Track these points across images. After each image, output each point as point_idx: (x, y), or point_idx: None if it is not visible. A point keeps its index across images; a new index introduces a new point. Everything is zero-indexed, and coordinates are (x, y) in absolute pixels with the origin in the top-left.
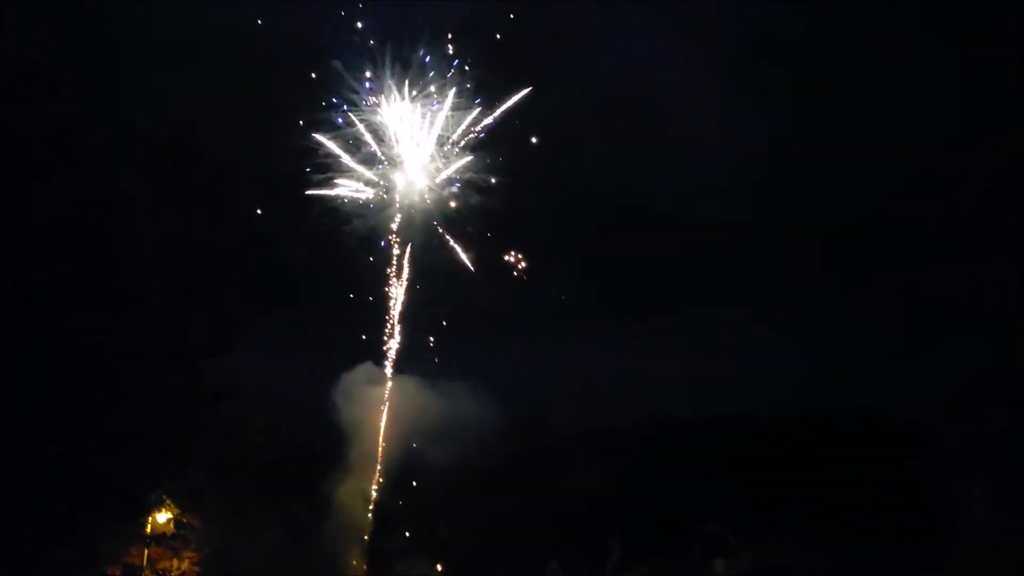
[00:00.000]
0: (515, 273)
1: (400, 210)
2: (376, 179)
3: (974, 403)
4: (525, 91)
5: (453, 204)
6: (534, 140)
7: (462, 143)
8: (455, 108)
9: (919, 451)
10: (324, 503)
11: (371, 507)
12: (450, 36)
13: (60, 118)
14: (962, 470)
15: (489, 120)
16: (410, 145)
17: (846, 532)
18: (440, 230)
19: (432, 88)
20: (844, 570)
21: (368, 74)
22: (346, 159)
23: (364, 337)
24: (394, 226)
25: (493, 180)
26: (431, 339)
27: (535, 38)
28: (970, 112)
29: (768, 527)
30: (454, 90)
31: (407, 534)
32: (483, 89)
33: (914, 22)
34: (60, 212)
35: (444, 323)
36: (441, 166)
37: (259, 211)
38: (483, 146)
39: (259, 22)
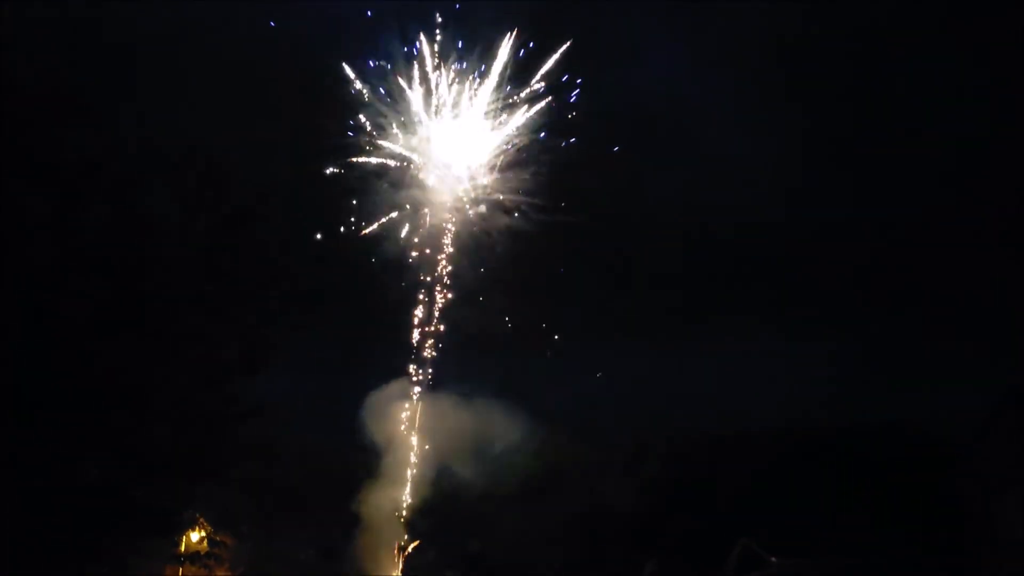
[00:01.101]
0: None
1: (429, 230)
2: (404, 200)
3: (1008, 417)
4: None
5: (481, 224)
6: (562, 155)
7: (490, 162)
8: (483, 126)
9: (952, 465)
10: (356, 521)
11: (403, 524)
12: (477, 53)
13: (92, 145)
14: (996, 485)
15: (518, 138)
16: (437, 165)
17: (879, 547)
18: (469, 249)
19: (458, 106)
20: None
21: (393, 93)
22: (373, 180)
23: (395, 356)
24: (424, 246)
25: (521, 199)
26: (462, 357)
27: (564, 53)
28: (1010, 116)
29: (801, 542)
30: (482, 108)
31: (438, 551)
32: (511, 106)
33: (948, 26)
34: (93, 238)
35: (475, 341)
36: (469, 186)
37: (289, 232)
38: (512, 165)
39: (284, 43)
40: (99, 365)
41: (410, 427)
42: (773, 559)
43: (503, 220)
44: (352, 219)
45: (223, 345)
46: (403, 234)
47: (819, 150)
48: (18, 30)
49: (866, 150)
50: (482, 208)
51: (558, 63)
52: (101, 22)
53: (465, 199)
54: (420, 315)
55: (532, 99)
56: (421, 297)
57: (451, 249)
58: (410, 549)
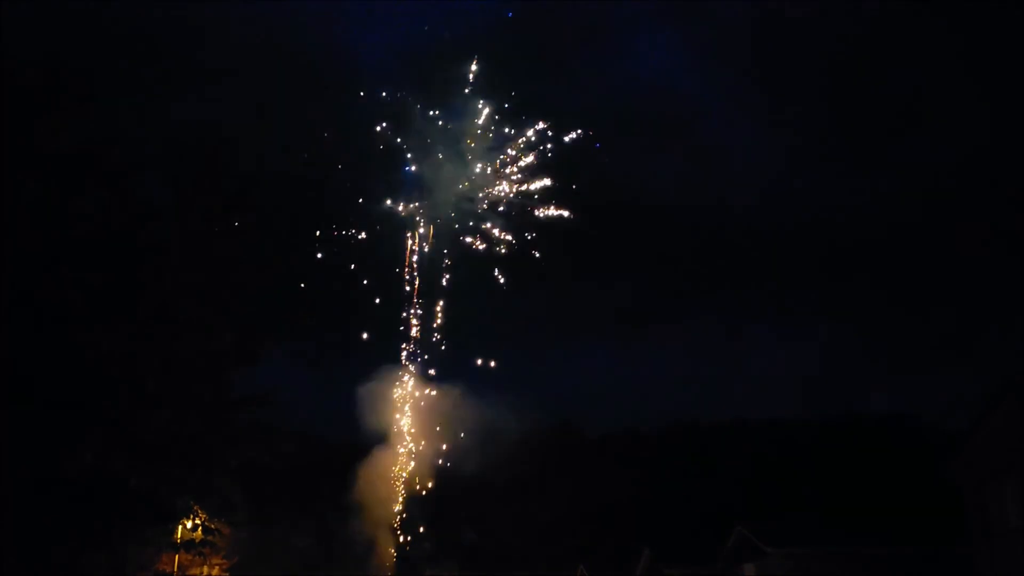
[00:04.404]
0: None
1: (429, 226)
2: (404, 199)
3: (1005, 406)
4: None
5: (480, 221)
6: (558, 149)
7: (491, 160)
8: (482, 126)
9: (949, 455)
10: (352, 510)
11: (399, 514)
12: (478, 54)
13: (89, 131)
14: (993, 474)
15: (514, 136)
16: (437, 163)
17: (875, 536)
18: (467, 245)
19: (459, 105)
20: (873, 574)
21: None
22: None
23: (392, 345)
24: (424, 239)
25: (518, 198)
26: (460, 348)
27: (563, 49)
28: (1005, 119)
29: (797, 531)
30: (482, 107)
31: (434, 540)
32: (511, 106)
33: (943, 30)
34: (91, 225)
35: (473, 332)
36: (468, 182)
37: (287, 222)
38: (511, 161)
39: (285, 36)
40: (95, 353)
41: (408, 416)
42: (769, 548)
43: (500, 219)
44: (350, 213)
45: (219, 333)
46: (402, 228)
47: (824, 149)
48: (16, 16)
49: (872, 149)
50: (480, 206)
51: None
52: (99, 10)
53: (464, 196)
54: (421, 306)
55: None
56: (421, 289)
57: (450, 244)
58: None
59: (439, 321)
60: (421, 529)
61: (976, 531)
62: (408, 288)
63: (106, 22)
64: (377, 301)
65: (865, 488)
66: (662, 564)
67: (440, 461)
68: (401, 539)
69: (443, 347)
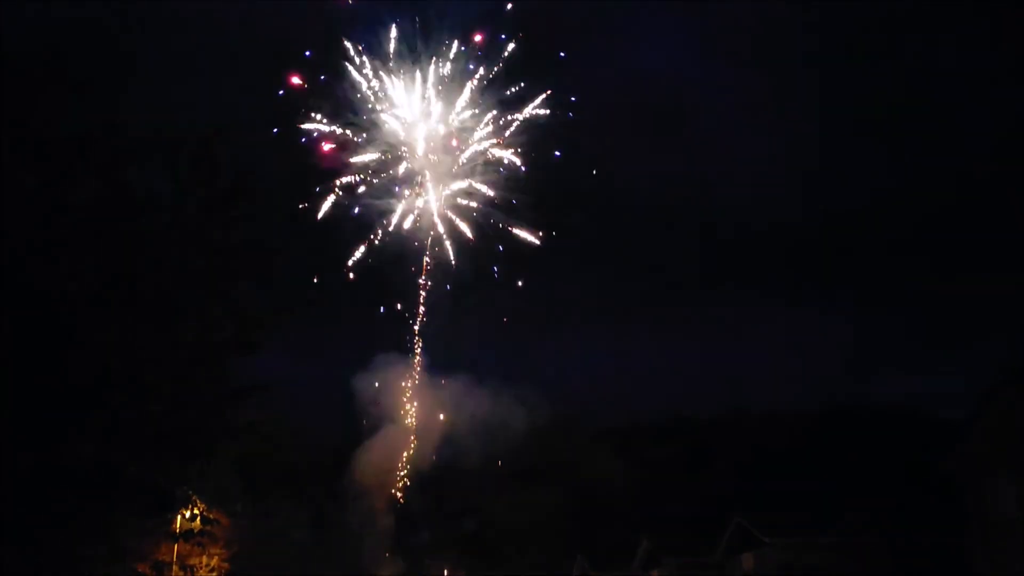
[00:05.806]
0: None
1: (425, 215)
2: (400, 186)
3: (1003, 397)
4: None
5: (475, 208)
6: (558, 137)
7: (486, 145)
8: (479, 108)
9: (947, 445)
10: (351, 500)
11: (398, 503)
12: (477, 36)
13: (84, 121)
14: (990, 465)
15: (514, 119)
16: (433, 151)
17: (872, 527)
18: (462, 236)
19: (454, 88)
20: (873, 566)
21: (389, 77)
22: (371, 168)
23: (393, 338)
24: (418, 235)
25: (515, 197)
26: (460, 340)
27: (562, 35)
28: (1014, 116)
29: (795, 522)
30: (477, 89)
31: (433, 529)
32: (510, 86)
33: (949, 18)
34: (86, 215)
35: (472, 324)
36: (465, 171)
37: (285, 212)
38: (507, 147)
39: (277, 25)
40: (92, 342)
41: (408, 407)
42: (767, 539)
43: (497, 215)
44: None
45: (218, 323)
46: (395, 221)
47: (832, 141)
48: (13, 2)
49: (880, 142)
50: (475, 203)
51: (561, 47)
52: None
53: (460, 185)
54: (420, 298)
55: (532, 80)
56: (420, 280)
57: (446, 238)
58: None
59: (434, 313)
60: (420, 518)
61: (973, 522)
62: (413, 272)
63: (104, 10)
64: (380, 292)
65: (862, 477)
66: (661, 554)
67: (440, 450)
68: (400, 528)
69: (446, 338)
